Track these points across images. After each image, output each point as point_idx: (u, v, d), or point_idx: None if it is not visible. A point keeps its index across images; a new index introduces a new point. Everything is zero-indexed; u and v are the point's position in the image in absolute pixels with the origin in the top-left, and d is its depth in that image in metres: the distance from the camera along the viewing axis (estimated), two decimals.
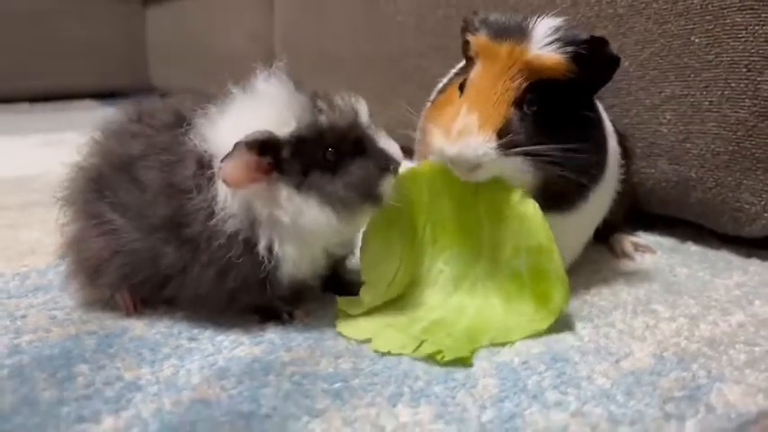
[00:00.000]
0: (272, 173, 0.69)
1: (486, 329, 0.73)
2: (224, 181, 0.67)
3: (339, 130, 0.70)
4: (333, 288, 0.83)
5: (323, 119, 0.69)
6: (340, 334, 0.74)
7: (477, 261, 0.78)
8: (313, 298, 0.83)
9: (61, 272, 0.84)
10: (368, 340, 0.72)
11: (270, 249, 0.70)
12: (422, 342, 0.69)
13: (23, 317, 0.79)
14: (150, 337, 0.74)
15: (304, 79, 0.74)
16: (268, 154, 0.68)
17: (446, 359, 0.66)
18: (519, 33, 0.75)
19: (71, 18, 3.32)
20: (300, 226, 0.69)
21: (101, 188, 0.75)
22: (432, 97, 1.03)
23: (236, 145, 0.65)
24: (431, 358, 0.67)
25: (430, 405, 0.60)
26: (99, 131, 0.80)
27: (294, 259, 0.71)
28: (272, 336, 0.74)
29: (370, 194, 0.71)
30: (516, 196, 0.74)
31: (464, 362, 0.67)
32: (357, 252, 0.80)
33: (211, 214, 0.69)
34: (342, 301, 0.78)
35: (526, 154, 0.72)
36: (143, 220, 0.72)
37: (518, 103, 0.73)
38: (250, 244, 0.70)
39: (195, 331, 0.75)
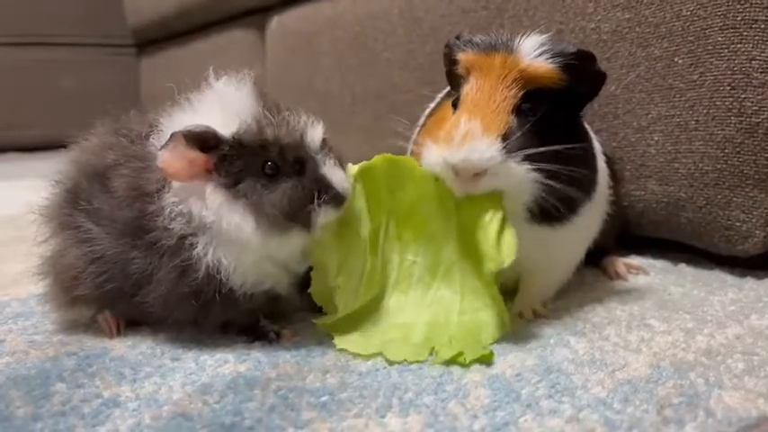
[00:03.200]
0: (210, 173, 0.68)
1: (482, 324, 0.72)
2: (162, 170, 0.67)
3: (281, 146, 0.68)
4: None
5: (268, 131, 0.68)
6: (344, 351, 0.71)
7: (446, 245, 0.76)
8: (301, 318, 0.81)
9: (42, 298, 0.82)
10: (374, 355, 0.70)
11: (206, 255, 0.69)
12: (433, 349, 0.69)
13: (1, 341, 0.77)
14: (132, 357, 0.72)
15: None
16: (211, 152, 0.68)
17: (469, 360, 0.66)
18: (508, 47, 0.75)
19: (65, 69, 3.35)
20: (222, 229, 0.68)
21: (77, 199, 0.74)
22: (421, 122, 1.03)
23: (173, 134, 0.65)
24: (453, 362, 0.67)
25: (420, 415, 0.58)
26: (76, 147, 0.79)
27: (230, 268, 0.69)
28: (258, 354, 0.72)
29: (296, 218, 0.68)
30: None
31: (487, 359, 0.67)
32: None
33: (167, 217, 0.68)
34: (320, 320, 0.76)
35: (530, 159, 0.70)
36: (113, 227, 0.71)
37: (517, 110, 0.73)
38: (194, 248, 0.69)
39: (179, 351, 0.73)
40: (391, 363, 0.68)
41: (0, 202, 1.78)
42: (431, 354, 0.69)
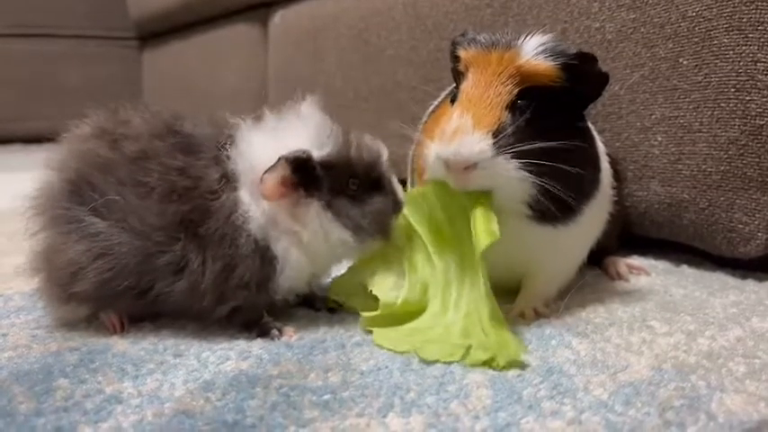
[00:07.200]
0: (297, 190, 0.72)
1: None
2: (262, 193, 0.71)
3: (364, 165, 0.75)
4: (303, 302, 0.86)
5: (353, 151, 0.75)
6: (380, 346, 0.73)
7: (463, 243, 0.77)
8: (302, 315, 0.81)
9: (36, 293, 0.82)
10: (408, 352, 0.71)
11: (275, 254, 0.73)
12: (468, 348, 0.69)
13: (4, 335, 0.77)
14: (134, 353, 0.72)
15: None
16: (298, 172, 0.71)
17: (501, 365, 0.66)
18: (507, 45, 0.75)
19: (68, 61, 3.35)
20: (318, 243, 0.74)
21: (80, 191, 0.73)
22: (424, 119, 1.03)
23: (280, 159, 0.70)
24: (486, 365, 0.67)
25: (422, 415, 0.58)
26: (70, 138, 0.79)
27: (294, 269, 0.74)
28: (260, 351, 0.72)
29: (382, 228, 0.76)
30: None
31: (518, 364, 0.67)
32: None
33: (230, 215, 0.72)
34: (365, 315, 0.78)
35: (522, 155, 0.71)
36: (135, 222, 0.71)
37: (511, 107, 0.73)
38: (260, 245, 0.73)
39: (181, 348, 0.73)
40: (426, 360, 0.69)
41: (3, 194, 1.78)
42: (465, 354, 0.69)
